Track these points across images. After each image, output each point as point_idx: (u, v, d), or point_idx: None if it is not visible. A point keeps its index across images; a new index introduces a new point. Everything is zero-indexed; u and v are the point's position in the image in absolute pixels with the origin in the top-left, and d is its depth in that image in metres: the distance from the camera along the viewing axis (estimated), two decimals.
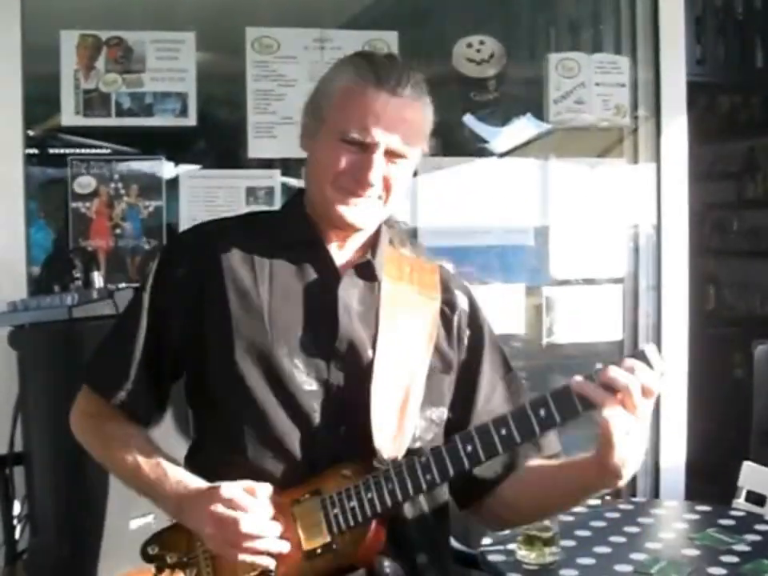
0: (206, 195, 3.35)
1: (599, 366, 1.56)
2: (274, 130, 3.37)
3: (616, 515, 2.96)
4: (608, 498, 3.16)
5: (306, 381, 1.74)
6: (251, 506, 1.62)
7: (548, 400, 1.56)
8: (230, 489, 1.64)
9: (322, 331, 1.77)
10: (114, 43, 3.29)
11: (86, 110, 3.28)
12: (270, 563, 1.64)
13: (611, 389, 1.52)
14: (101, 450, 1.89)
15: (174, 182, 3.38)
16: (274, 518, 1.65)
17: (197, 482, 1.72)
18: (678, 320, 3.74)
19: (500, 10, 3.85)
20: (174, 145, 3.44)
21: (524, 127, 3.71)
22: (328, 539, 1.65)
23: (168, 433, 2.67)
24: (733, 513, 2.98)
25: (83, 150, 3.41)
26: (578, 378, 1.55)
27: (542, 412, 1.56)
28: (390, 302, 1.84)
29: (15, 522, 2.80)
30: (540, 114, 3.65)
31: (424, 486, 1.64)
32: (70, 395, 2.50)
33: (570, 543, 2.68)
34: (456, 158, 3.54)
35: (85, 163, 3.32)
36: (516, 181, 3.67)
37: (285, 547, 1.64)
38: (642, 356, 1.55)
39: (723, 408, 5.46)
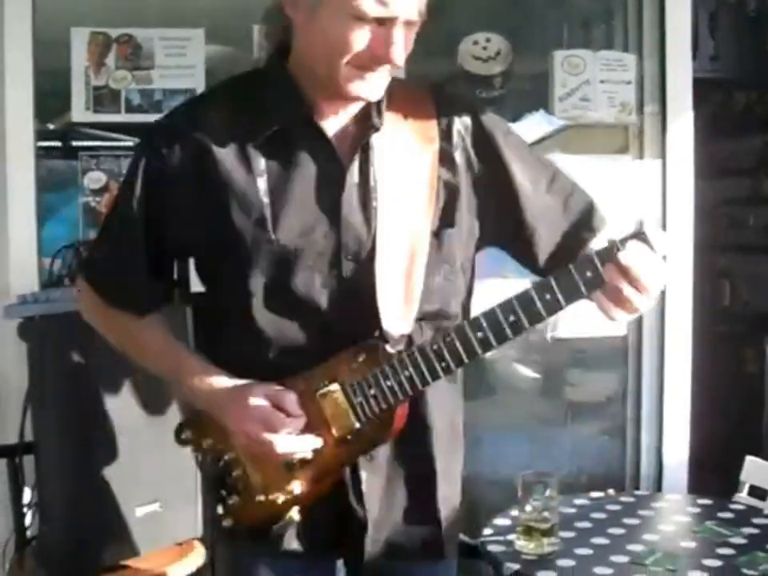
0: None
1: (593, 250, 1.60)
2: None
3: (617, 508, 3.01)
4: (611, 491, 3.21)
5: (314, 276, 1.72)
6: (283, 425, 1.68)
7: (552, 284, 1.60)
8: (261, 408, 1.68)
9: (328, 229, 1.73)
10: (123, 40, 3.32)
11: (96, 106, 3.31)
12: (307, 455, 1.71)
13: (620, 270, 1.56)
14: (116, 340, 1.91)
15: None
16: (303, 413, 1.70)
17: (221, 379, 1.74)
18: (682, 314, 3.74)
19: (506, 8, 3.84)
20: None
21: (535, 124, 3.70)
22: (357, 426, 1.72)
23: None
24: (733, 506, 3.03)
25: (94, 143, 3.43)
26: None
27: (548, 296, 1.60)
28: (384, 163, 1.76)
29: (25, 509, 2.86)
30: (546, 111, 3.65)
31: (440, 373, 1.67)
32: (77, 387, 2.62)
33: (570, 534, 2.75)
34: None
35: (95, 159, 3.35)
36: None
37: (317, 443, 1.71)
38: (645, 239, 1.58)
39: (735, 404, 5.47)
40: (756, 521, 2.87)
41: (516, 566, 2.52)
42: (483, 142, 1.82)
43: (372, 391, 1.69)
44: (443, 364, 1.66)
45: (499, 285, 3.48)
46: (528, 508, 2.61)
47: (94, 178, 3.34)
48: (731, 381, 5.52)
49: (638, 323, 3.75)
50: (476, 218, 1.84)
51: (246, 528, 1.81)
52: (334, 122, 1.75)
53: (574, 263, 1.60)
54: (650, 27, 3.63)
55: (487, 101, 3.55)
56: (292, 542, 1.81)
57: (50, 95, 3.35)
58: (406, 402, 1.72)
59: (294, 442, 1.70)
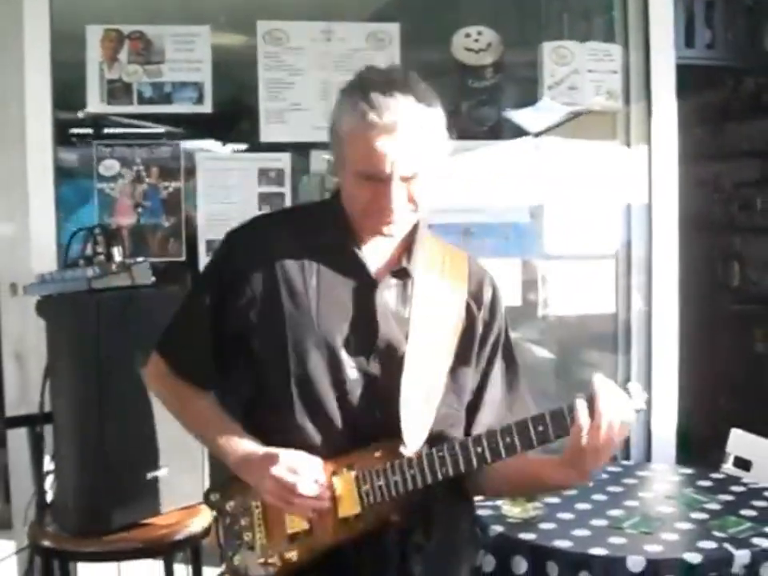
0: (221, 176, 3.54)
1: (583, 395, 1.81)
2: (284, 115, 3.53)
3: (604, 476, 3.15)
4: None
5: (348, 370, 1.94)
6: (306, 472, 1.88)
7: (546, 418, 1.82)
8: (290, 456, 1.89)
9: (362, 331, 1.96)
10: (135, 37, 3.46)
11: (110, 98, 3.47)
12: (312, 516, 1.91)
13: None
14: (174, 408, 2.15)
15: (191, 165, 3.56)
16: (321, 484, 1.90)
17: (257, 446, 1.96)
18: (668, 292, 3.83)
19: (497, 1, 3.97)
20: (191, 130, 3.62)
21: (528, 113, 3.83)
22: (359, 510, 1.92)
23: None
24: (713, 475, 3.16)
25: (110, 131, 3.59)
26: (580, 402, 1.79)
27: (540, 428, 1.82)
28: (422, 298, 2.01)
29: (45, 475, 3.00)
30: (535, 100, 3.76)
31: (439, 476, 1.89)
32: (90, 360, 2.73)
33: (554, 500, 2.89)
34: (455, 142, 3.62)
35: (109, 148, 3.51)
36: (513, 162, 3.78)
37: (326, 503, 1.90)
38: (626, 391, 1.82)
39: (744, 381, 5.56)
40: (733, 488, 3.02)
41: (500, 529, 2.68)
42: (492, 321, 2.08)
43: (379, 482, 1.90)
44: (443, 469, 1.88)
45: (501, 265, 3.73)
46: None
47: (108, 166, 3.50)
48: (740, 359, 5.61)
49: (626, 300, 3.88)
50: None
51: None
52: (375, 252, 2.00)
53: (533, 417, 1.84)
54: (634, 19, 3.74)
55: (479, 90, 3.69)
56: None
57: (67, 86, 3.49)
58: (406, 498, 1.92)
59: (312, 488, 1.89)
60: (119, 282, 2.86)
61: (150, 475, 2.85)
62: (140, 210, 3.53)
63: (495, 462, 1.89)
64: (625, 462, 3.63)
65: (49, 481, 3.02)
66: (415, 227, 2.02)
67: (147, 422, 2.82)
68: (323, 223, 2.03)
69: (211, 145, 3.72)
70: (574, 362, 4.06)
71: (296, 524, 1.96)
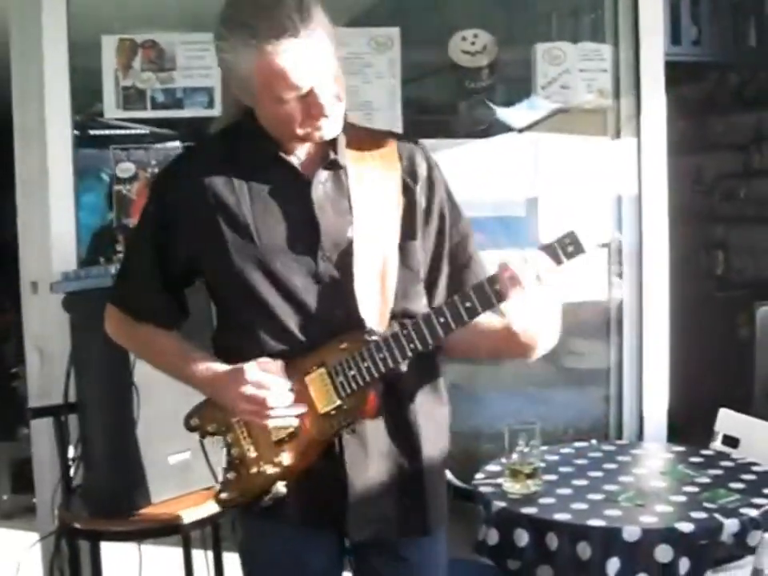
0: None
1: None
2: None
3: (598, 455, 3.28)
4: (594, 441, 3.47)
5: (298, 278, 1.99)
6: (273, 384, 1.94)
7: (470, 294, 1.90)
8: (252, 371, 1.93)
9: (305, 234, 1.99)
10: (148, 45, 3.57)
11: (125, 104, 3.58)
12: (294, 422, 1.98)
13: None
14: (138, 351, 2.26)
15: None
16: (291, 389, 1.96)
17: (222, 366, 2.01)
18: (658, 280, 3.93)
19: (492, 5, 4.09)
20: (203, 133, 3.71)
21: (523, 111, 3.96)
22: (338, 402, 1.97)
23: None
24: (703, 452, 3.28)
25: (125, 132, 3.67)
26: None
27: (497, 286, 1.88)
28: (358, 185, 2.03)
29: (70, 462, 3.13)
30: (529, 99, 3.88)
31: (409, 354, 1.94)
32: (114, 352, 2.72)
33: (553, 477, 3.02)
34: (452, 140, 3.76)
35: (125, 151, 3.61)
36: (509, 158, 3.89)
37: (302, 409, 1.97)
38: (550, 249, 1.88)
39: (729, 365, 5.69)
40: (723, 464, 3.14)
41: (502, 504, 2.80)
42: (430, 185, 2.10)
43: (351, 372, 1.95)
44: (411, 345, 1.94)
45: (495, 256, 3.83)
46: (514, 453, 2.89)
47: (125, 168, 3.61)
48: (725, 343, 5.76)
49: (619, 292, 3.99)
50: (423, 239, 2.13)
51: (241, 499, 2.09)
52: (299, 153, 2.03)
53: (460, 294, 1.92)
54: (624, 17, 3.85)
55: (475, 90, 3.80)
56: (285, 511, 2.07)
57: (85, 91, 3.60)
58: (379, 384, 1.98)
59: (282, 397, 1.95)
60: None
61: (173, 459, 2.97)
62: None
63: (459, 329, 1.92)
64: (619, 442, 3.77)
65: (73, 468, 3.14)
66: None
67: (170, 407, 2.81)
68: (243, 141, 2.03)
69: None
70: (568, 348, 4.12)
71: (280, 430, 2.00)
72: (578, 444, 3.44)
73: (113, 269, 2.95)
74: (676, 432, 3.98)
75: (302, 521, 2.08)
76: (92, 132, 3.70)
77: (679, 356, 4.04)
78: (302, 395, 1.98)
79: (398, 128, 3.61)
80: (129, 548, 3.31)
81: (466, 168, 3.79)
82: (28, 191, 3.57)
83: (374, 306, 1.98)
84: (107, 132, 3.69)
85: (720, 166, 6.62)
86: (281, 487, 2.02)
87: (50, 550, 3.19)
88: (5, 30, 3.53)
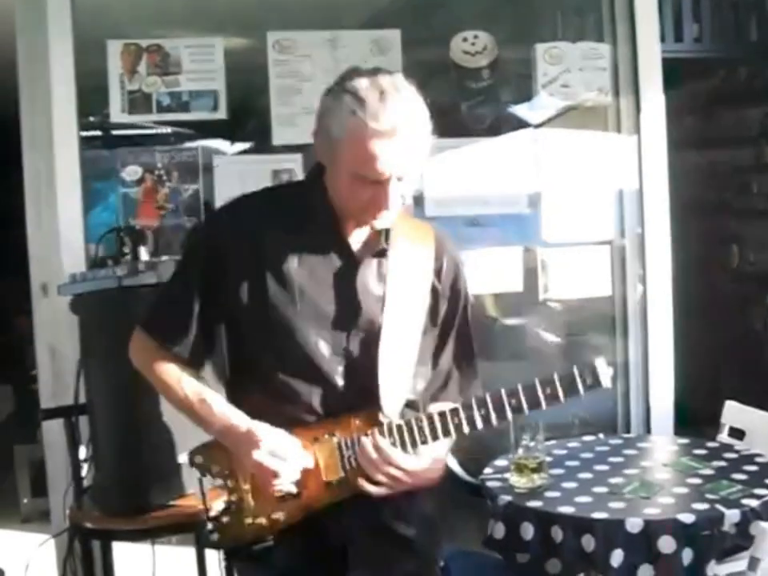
0: (236, 177, 3.61)
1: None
2: (295, 119, 3.65)
3: (605, 448, 3.30)
4: (601, 435, 3.48)
5: (328, 350, 2.08)
6: (288, 456, 2.01)
7: (518, 391, 2.02)
8: (269, 439, 2.00)
9: (344, 311, 2.08)
10: (153, 50, 3.60)
11: (131, 108, 3.60)
12: (295, 489, 2.06)
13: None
14: (157, 382, 2.24)
15: (209, 167, 3.67)
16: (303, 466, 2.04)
17: (239, 420, 2.06)
18: (661, 274, 3.96)
19: (493, 6, 4.11)
20: (208, 135, 3.74)
21: (525, 109, 3.98)
22: (342, 474, 2.06)
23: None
24: (709, 444, 3.29)
25: (133, 133, 3.70)
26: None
27: (513, 401, 2.03)
28: (395, 276, 2.13)
29: (81, 462, 3.14)
30: (529, 98, 3.92)
31: (419, 443, 2.05)
32: (122, 353, 2.74)
33: (559, 471, 3.04)
34: (455, 140, 3.77)
35: (132, 154, 3.64)
36: (511, 156, 3.92)
37: (309, 464, 2.05)
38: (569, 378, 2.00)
39: (744, 358, 5.70)
40: (727, 455, 3.15)
41: (509, 498, 2.82)
42: (455, 291, 2.24)
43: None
44: (422, 438, 2.04)
45: (503, 253, 3.87)
46: (520, 448, 2.91)
47: (131, 171, 3.64)
48: (740, 337, 5.78)
49: (622, 283, 4.02)
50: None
51: (230, 543, 2.17)
52: (357, 231, 2.12)
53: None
54: (621, 16, 3.90)
55: (476, 90, 3.84)
56: (273, 555, 2.13)
57: (91, 94, 3.61)
58: None
59: (292, 474, 2.03)
60: (147, 279, 2.98)
61: (183, 457, 2.89)
62: (162, 212, 3.66)
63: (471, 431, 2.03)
64: (626, 435, 3.80)
65: (84, 469, 3.15)
66: None
67: None
68: (307, 205, 2.10)
69: (227, 147, 3.84)
70: (574, 344, 4.17)
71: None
72: (585, 438, 3.45)
73: (119, 271, 2.97)
74: (686, 424, 4.00)
75: (289, 563, 2.13)
76: (104, 133, 3.74)
77: (693, 349, 4.05)
78: (309, 461, 2.07)
79: None
80: (142, 548, 3.34)
81: (469, 166, 3.84)
82: (36, 193, 3.61)
83: (391, 390, 2.07)
84: (120, 133, 3.72)
85: (732, 160, 6.62)
86: (269, 540, 2.11)
87: (64, 550, 3.20)
88: (11, 34, 3.57)
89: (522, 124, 3.95)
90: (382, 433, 2.03)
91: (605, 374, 1.98)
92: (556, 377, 1.98)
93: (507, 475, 2.97)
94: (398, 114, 1.93)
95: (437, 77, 3.72)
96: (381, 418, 2.05)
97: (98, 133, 3.74)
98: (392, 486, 2.03)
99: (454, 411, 2.03)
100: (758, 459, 3.10)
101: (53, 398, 3.52)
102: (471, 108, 3.88)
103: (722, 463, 3.08)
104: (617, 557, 2.58)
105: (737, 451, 3.22)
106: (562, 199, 3.97)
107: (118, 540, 3.15)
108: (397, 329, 2.10)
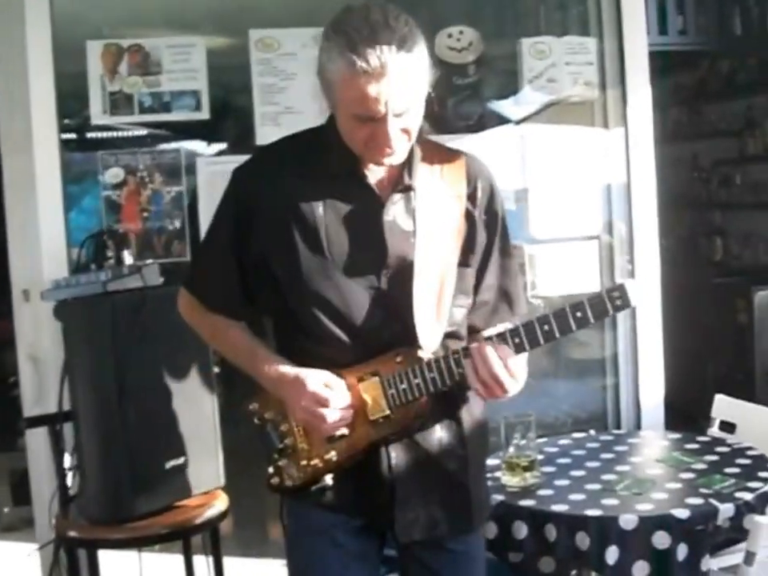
0: (220, 178, 3.54)
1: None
2: (278, 118, 3.63)
3: (596, 445, 3.29)
4: (592, 431, 3.48)
5: (360, 290, 2.07)
6: (332, 400, 2.03)
7: (549, 317, 1.96)
8: (314, 383, 2.04)
9: (372, 252, 2.08)
10: (133, 50, 3.57)
11: (113, 109, 3.57)
12: (345, 430, 2.08)
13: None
14: (207, 336, 2.30)
15: (192, 168, 3.65)
16: (348, 406, 2.06)
17: (288, 369, 2.09)
18: (650, 268, 3.95)
19: (476, 1, 4.10)
20: (191, 136, 3.74)
21: (511, 105, 3.97)
22: (387, 412, 2.08)
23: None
24: (700, 438, 3.29)
25: (115, 135, 3.69)
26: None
27: (545, 327, 1.96)
28: (425, 207, 2.11)
29: (66, 471, 3.12)
30: (515, 93, 3.91)
31: (457, 378, 2.04)
32: (107, 358, 2.86)
33: (551, 469, 3.03)
34: (441, 136, 3.54)
35: (114, 157, 3.61)
36: (498, 152, 3.87)
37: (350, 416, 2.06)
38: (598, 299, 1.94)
39: (729, 351, 5.75)
40: (719, 449, 3.16)
41: (500, 498, 2.81)
42: (490, 217, 2.19)
43: (403, 386, 2.06)
44: (460, 370, 2.03)
45: None
46: (511, 447, 2.90)
47: (113, 174, 3.61)
48: (725, 329, 5.81)
49: (611, 278, 4.00)
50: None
51: (289, 486, 2.18)
52: (377, 169, 2.10)
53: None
54: (607, 10, 3.89)
55: (462, 87, 3.82)
56: (331, 501, 2.15)
57: (71, 96, 3.60)
58: (428, 399, 2.07)
59: (339, 415, 2.05)
60: (131, 283, 2.98)
61: (169, 464, 2.97)
62: (145, 214, 3.63)
63: None
64: (616, 431, 3.79)
65: (69, 478, 3.14)
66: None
67: (164, 414, 2.97)
68: (324, 150, 2.10)
69: (210, 148, 3.84)
70: (563, 339, 4.14)
71: None
72: (576, 435, 3.46)
73: (103, 275, 2.97)
74: (680, 418, 4.02)
75: (345, 510, 2.16)
76: (84, 135, 3.72)
77: (679, 343, 4.05)
78: (354, 401, 2.08)
79: None
80: (129, 556, 3.32)
81: None
82: (16, 198, 3.56)
83: (429, 325, 2.08)
84: (101, 135, 3.71)
85: (716, 153, 6.66)
86: (328, 479, 2.13)
87: (49, 560, 3.18)
88: None
89: (508, 120, 3.95)
90: (422, 369, 2.04)
91: (634, 293, 1.93)
92: (585, 300, 1.94)
93: (498, 474, 2.96)
94: (389, 51, 1.90)
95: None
96: (420, 354, 2.05)
97: (79, 135, 3.73)
98: (495, 390, 2.02)
99: (487, 340, 2.01)
100: (750, 452, 3.10)
101: (35, 405, 3.48)
102: (457, 104, 3.87)
103: (715, 457, 3.08)
104: (612, 554, 2.58)
105: (729, 445, 3.22)
106: (549, 195, 3.96)
107: (105, 549, 3.12)
108: (431, 262, 2.09)
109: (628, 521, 2.59)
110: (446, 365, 2.04)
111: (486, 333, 2.15)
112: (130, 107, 3.60)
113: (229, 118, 3.85)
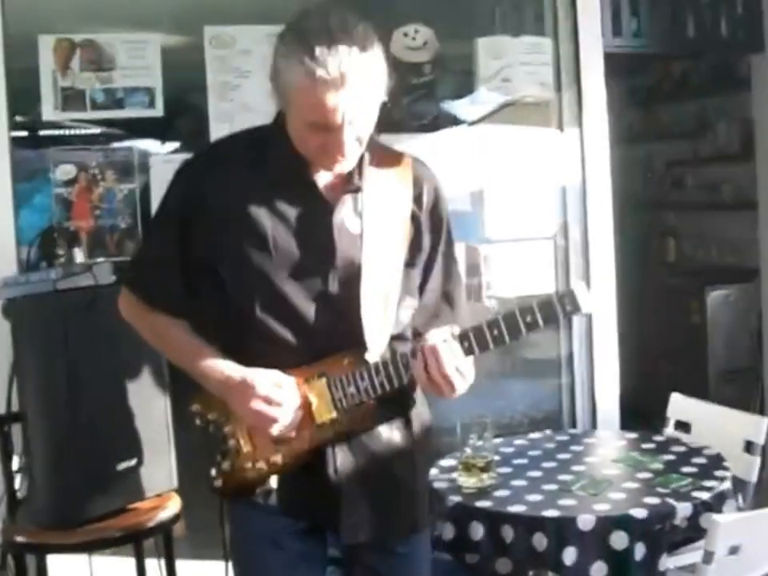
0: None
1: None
2: (233, 116, 3.59)
3: (552, 445, 3.31)
4: (548, 431, 3.50)
5: (308, 292, 2.04)
6: (283, 401, 2.01)
7: (489, 325, 1.96)
8: (264, 386, 2.00)
9: (320, 254, 2.05)
10: (86, 45, 3.52)
11: (65, 105, 3.52)
12: (293, 433, 2.05)
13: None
14: (149, 336, 2.22)
15: (145, 166, 3.61)
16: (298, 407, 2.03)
17: (234, 370, 2.05)
18: (605, 269, 3.98)
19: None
20: (144, 133, 3.68)
21: (466, 105, 3.97)
22: (334, 415, 2.06)
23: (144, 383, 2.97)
24: (656, 438, 3.31)
25: (66, 133, 3.64)
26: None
27: (465, 343, 1.97)
28: (372, 208, 2.09)
29: (14, 474, 3.07)
30: (471, 93, 3.90)
31: (405, 381, 2.03)
32: (58, 358, 2.81)
33: (508, 470, 3.03)
34: (395, 135, 3.59)
35: (65, 154, 3.55)
36: (453, 152, 3.88)
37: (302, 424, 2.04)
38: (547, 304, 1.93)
39: (683, 352, 5.78)
40: (675, 449, 3.18)
41: (457, 499, 2.80)
42: (435, 220, 2.19)
43: (350, 389, 2.04)
44: (408, 373, 2.02)
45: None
46: (467, 448, 2.89)
47: (65, 171, 3.56)
48: (679, 330, 5.85)
49: (566, 279, 4.01)
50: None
51: (233, 489, 2.14)
52: (326, 174, 2.07)
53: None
54: (563, 11, 3.91)
55: (418, 86, 3.81)
56: (273, 502, 2.12)
57: (21, 92, 3.53)
58: (375, 402, 2.06)
59: (289, 417, 2.03)
60: (82, 282, 2.94)
61: (121, 466, 2.93)
62: (97, 212, 3.58)
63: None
64: (572, 431, 3.80)
65: (18, 480, 3.09)
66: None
67: (116, 415, 2.92)
68: (273, 150, 2.06)
69: (163, 146, 3.79)
70: (518, 341, 4.14)
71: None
72: (532, 435, 3.46)
73: (54, 273, 2.92)
74: (633, 418, 4.03)
75: (290, 513, 2.13)
76: (35, 132, 3.67)
77: (633, 343, 4.06)
78: (302, 404, 2.05)
79: None
80: (79, 560, 3.27)
81: None
82: None
83: (376, 327, 2.07)
84: (52, 132, 3.65)
85: (669, 154, 6.71)
86: (273, 482, 2.10)
87: None
88: None
89: (463, 120, 3.94)
90: (370, 372, 2.02)
91: (584, 298, 1.92)
92: (535, 304, 1.94)
93: (455, 475, 2.95)
94: (348, 60, 1.87)
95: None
96: (367, 356, 2.04)
97: (30, 132, 3.67)
98: (444, 389, 2.01)
99: (439, 341, 2.00)
100: (706, 452, 3.12)
101: None
102: (412, 103, 3.86)
103: (671, 457, 3.10)
104: (570, 554, 2.58)
105: (684, 444, 3.25)
106: (505, 195, 3.96)
107: (54, 553, 3.07)
108: (377, 265, 2.08)
109: (586, 521, 2.59)
110: (394, 367, 2.02)
111: (431, 336, 2.12)
112: (83, 103, 3.55)
113: (183, 116, 3.81)
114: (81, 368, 2.84)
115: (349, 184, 2.08)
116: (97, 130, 3.66)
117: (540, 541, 2.61)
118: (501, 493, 2.85)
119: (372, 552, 2.20)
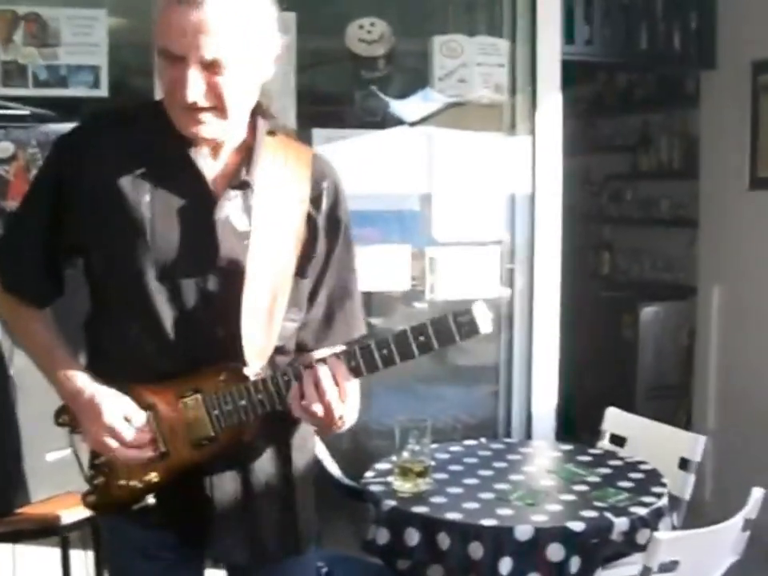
0: None
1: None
2: None
3: (488, 453, 3.29)
4: (483, 439, 3.47)
5: (185, 292, 1.86)
6: (126, 437, 1.84)
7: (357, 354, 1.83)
8: (111, 416, 1.84)
9: (202, 250, 1.86)
10: (31, 18, 3.40)
11: (5, 80, 3.40)
12: (144, 458, 1.89)
13: None
14: (11, 325, 2.06)
15: None
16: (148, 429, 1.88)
17: (86, 386, 1.87)
18: (550, 278, 3.96)
19: None
20: (87, 113, 3.46)
21: (418, 103, 3.93)
22: (211, 433, 1.89)
23: None
24: (592, 451, 3.32)
25: (5, 112, 3.48)
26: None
27: (352, 363, 1.82)
28: (263, 210, 1.90)
29: None
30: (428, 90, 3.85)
31: (287, 400, 1.84)
32: None
33: (443, 476, 3.00)
34: (346, 131, 3.72)
35: (3, 130, 3.43)
36: (403, 151, 3.83)
37: (148, 455, 1.88)
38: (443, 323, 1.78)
39: (612, 366, 5.82)
40: (611, 462, 3.18)
41: (393, 503, 2.76)
42: (334, 220, 2.02)
43: (228, 407, 1.87)
44: (289, 393, 1.85)
45: (391, 251, 3.81)
46: (404, 452, 2.85)
47: (3, 148, 3.43)
48: (610, 343, 5.88)
49: (510, 285, 4.00)
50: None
51: (106, 505, 2.00)
52: (212, 160, 1.90)
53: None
54: (522, 14, 3.87)
55: (372, 80, 3.77)
56: (150, 518, 1.97)
57: None
58: (256, 421, 1.90)
59: (131, 454, 1.87)
60: None
61: (51, 456, 2.83)
62: None
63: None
64: (507, 440, 3.78)
65: None
66: (254, 131, 1.93)
67: (49, 403, 2.77)
68: (155, 129, 1.88)
69: None
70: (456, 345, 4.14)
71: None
72: (467, 442, 3.44)
73: None
74: (562, 429, 4.02)
75: (166, 529, 1.98)
76: None
77: (566, 355, 4.07)
78: (176, 419, 1.91)
79: (291, 117, 3.51)
80: (3, 549, 3.22)
81: (359, 159, 3.73)
82: None
83: (257, 339, 1.89)
84: None
85: (609, 167, 6.75)
86: (150, 499, 1.96)
87: None
88: None
89: (414, 119, 3.90)
90: (248, 390, 1.86)
91: (483, 318, 1.77)
92: (428, 324, 1.78)
93: (390, 479, 2.91)
94: None
95: (331, 64, 3.62)
96: (246, 372, 1.87)
97: None
98: (323, 418, 1.84)
99: (320, 362, 1.84)
100: (643, 467, 3.13)
101: None
102: (364, 98, 3.80)
103: (607, 470, 3.11)
104: (506, 564, 2.56)
105: (621, 458, 3.25)
106: (454, 197, 3.92)
107: None
108: (265, 268, 1.90)
109: (523, 532, 2.58)
110: (275, 386, 1.86)
111: (318, 354, 1.98)
112: (24, 79, 3.43)
113: (128, 98, 3.65)
114: (12, 357, 2.77)
115: (237, 176, 1.91)
116: (40, 110, 3.53)
117: (476, 550, 2.59)
118: (437, 499, 2.82)
119: (253, 572, 2.07)
